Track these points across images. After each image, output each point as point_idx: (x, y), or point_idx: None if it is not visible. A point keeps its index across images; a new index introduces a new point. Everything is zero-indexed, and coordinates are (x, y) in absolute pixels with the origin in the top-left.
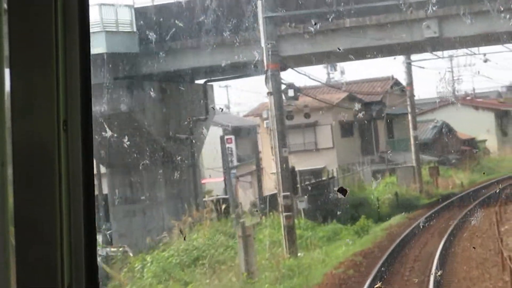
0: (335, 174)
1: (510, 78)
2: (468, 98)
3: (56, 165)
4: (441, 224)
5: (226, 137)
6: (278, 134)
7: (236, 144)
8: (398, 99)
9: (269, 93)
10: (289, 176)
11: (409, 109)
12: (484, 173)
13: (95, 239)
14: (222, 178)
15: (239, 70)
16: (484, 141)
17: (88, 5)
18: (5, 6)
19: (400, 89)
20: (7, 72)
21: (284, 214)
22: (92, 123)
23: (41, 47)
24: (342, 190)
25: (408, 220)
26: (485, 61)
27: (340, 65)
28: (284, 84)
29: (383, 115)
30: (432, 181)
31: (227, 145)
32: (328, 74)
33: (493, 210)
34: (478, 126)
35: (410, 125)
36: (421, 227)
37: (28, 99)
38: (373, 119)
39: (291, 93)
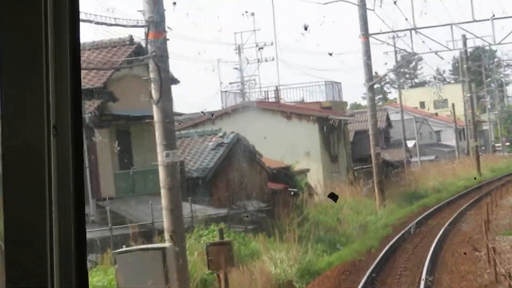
0: None
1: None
2: (274, 100)
3: (46, 170)
4: None
5: None
6: None
7: None
8: (142, 86)
9: None
10: None
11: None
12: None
13: (85, 242)
14: None
15: None
16: (305, 171)
17: (78, 11)
18: None
19: (143, 62)
20: None
21: None
22: (82, 128)
23: (30, 52)
24: (333, 196)
25: None
26: None
27: None
28: None
29: (107, 119)
30: (214, 274)
31: None
32: None
33: None
34: (293, 145)
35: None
36: None
37: (18, 104)
38: (89, 128)
39: None
